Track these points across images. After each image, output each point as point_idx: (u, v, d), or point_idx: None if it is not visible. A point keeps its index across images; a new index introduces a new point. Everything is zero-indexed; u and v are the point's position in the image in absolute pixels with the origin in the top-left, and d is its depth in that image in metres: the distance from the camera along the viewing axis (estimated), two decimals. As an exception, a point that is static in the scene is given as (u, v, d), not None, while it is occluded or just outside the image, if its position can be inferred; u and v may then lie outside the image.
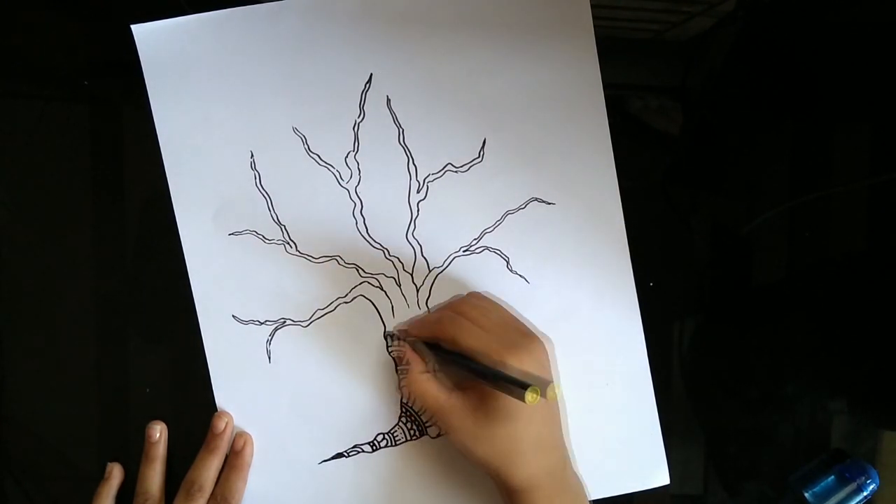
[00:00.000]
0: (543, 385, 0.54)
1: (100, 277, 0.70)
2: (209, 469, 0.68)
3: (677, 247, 0.73)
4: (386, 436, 0.70)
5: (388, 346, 0.70)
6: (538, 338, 0.64)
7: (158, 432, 0.69)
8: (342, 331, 0.69)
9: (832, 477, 0.72)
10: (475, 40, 0.68)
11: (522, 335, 0.63)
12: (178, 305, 0.69)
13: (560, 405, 0.67)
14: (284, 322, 0.69)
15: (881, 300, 0.73)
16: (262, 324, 0.69)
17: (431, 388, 0.64)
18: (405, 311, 0.70)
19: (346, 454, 0.70)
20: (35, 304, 0.70)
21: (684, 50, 0.73)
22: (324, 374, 0.70)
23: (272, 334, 0.69)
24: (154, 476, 0.69)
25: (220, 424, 0.69)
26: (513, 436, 0.61)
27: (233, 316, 0.69)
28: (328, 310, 0.69)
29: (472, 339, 0.61)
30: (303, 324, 0.69)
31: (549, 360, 0.64)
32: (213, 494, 0.68)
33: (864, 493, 0.71)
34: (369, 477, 0.70)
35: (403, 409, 0.70)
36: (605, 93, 0.69)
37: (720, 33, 0.72)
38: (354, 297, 0.69)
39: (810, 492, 0.72)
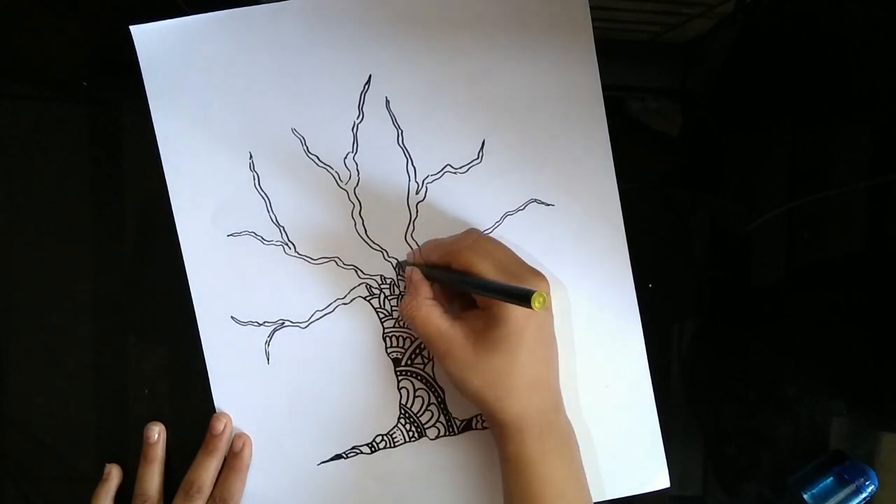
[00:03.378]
0: (533, 293, 0.53)
1: (98, 278, 0.70)
2: (208, 470, 0.68)
3: (677, 248, 0.73)
4: (384, 437, 0.70)
5: (397, 275, 0.70)
6: (544, 277, 0.64)
7: (157, 433, 0.69)
8: (341, 332, 0.69)
9: (831, 478, 0.72)
10: (474, 42, 0.68)
11: (532, 273, 0.63)
12: (176, 306, 0.69)
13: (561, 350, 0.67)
14: (283, 323, 0.69)
15: (880, 301, 0.73)
16: (260, 325, 0.69)
17: (434, 314, 0.64)
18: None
19: (344, 455, 0.70)
20: (34, 306, 0.70)
21: (683, 51, 0.73)
22: (322, 376, 0.70)
23: (271, 335, 0.69)
24: (153, 477, 0.69)
25: (219, 426, 0.69)
26: (509, 370, 0.61)
27: (231, 317, 0.69)
28: (327, 311, 0.69)
29: (485, 265, 0.62)
30: (301, 325, 0.69)
31: (550, 301, 0.66)
32: (211, 496, 0.68)
33: (863, 495, 0.71)
34: (368, 478, 0.70)
35: (402, 411, 0.70)
36: (605, 94, 0.69)
37: (719, 35, 0.72)
38: (353, 299, 0.69)
39: (809, 493, 0.72)
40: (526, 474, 0.62)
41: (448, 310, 0.66)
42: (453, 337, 0.63)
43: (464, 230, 0.68)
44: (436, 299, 0.65)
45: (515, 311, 0.60)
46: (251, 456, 0.70)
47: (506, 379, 0.61)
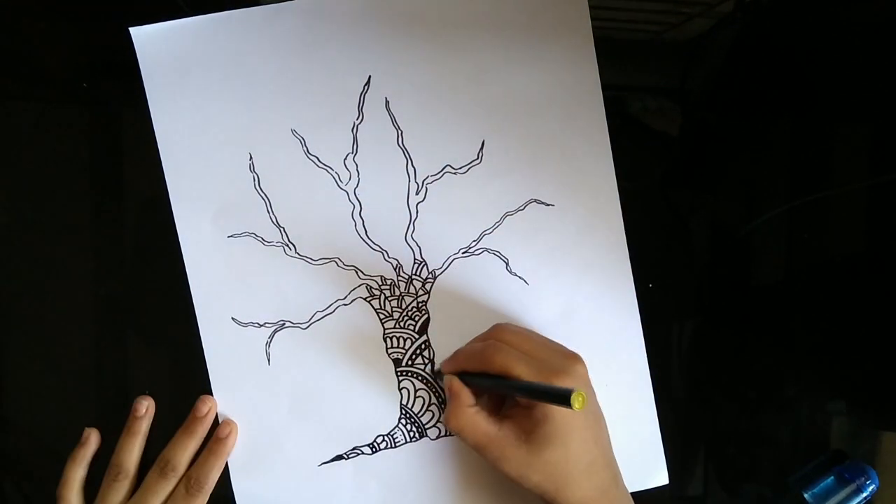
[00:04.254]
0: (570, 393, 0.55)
1: (99, 280, 0.70)
2: (185, 450, 0.68)
3: (676, 248, 0.73)
4: (385, 438, 0.70)
5: (436, 382, 0.70)
6: (579, 357, 0.64)
7: (145, 408, 0.69)
8: (341, 333, 0.69)
9: (831, 478, 0.72)
10: (474, 42, 0.68)
11: (565, 357, 0.64)
12: (177, 308, 0.69)
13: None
14: (284, 324, 0.69)
15: (880, 301, 0.73)
16: (261, 326, 0.69)
17: (480, 421, 0.64)
18: (404, 313, 0.70)
19: (345, 456, 0.70)
20: (34, 307, 0.70)
21: (683, 51, 0.73)
22: (323, 376, 0.70)
23: (271, 336, 0.69)
24: (132, 450, 0.68)
25: (203, 409, 0.69)
26: (565, 459, 0.61)
27: (232, 318, 0.69)
28: (327, 312, 0.69)
29: (521, 366, 0.62)
30: (302, 326, 0.69)
31: (589, 379, 0.65)
32: (186, 475, 0.68)
33: (864, 494, 0.71)
34: (369, 479, 0.70)
35: (403, 411, 0.70)
36: (604, 94, 0.69)
37: (719, 34, 0.72)
38: (353, 300, 0.69)
39: (810, 493, 0.72)
40: None
41: (493, 411, 0.66)
42: (504, 440, 0.63)
43: (490, 327, 0.68)
44: (478, 402, 0.65)
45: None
46: (234, 445, 0.69)
47: (563, 469, 0.62)
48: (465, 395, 0.65)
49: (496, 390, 0.66)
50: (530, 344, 0.65)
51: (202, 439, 0.69)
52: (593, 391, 0.66)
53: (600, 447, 0.64)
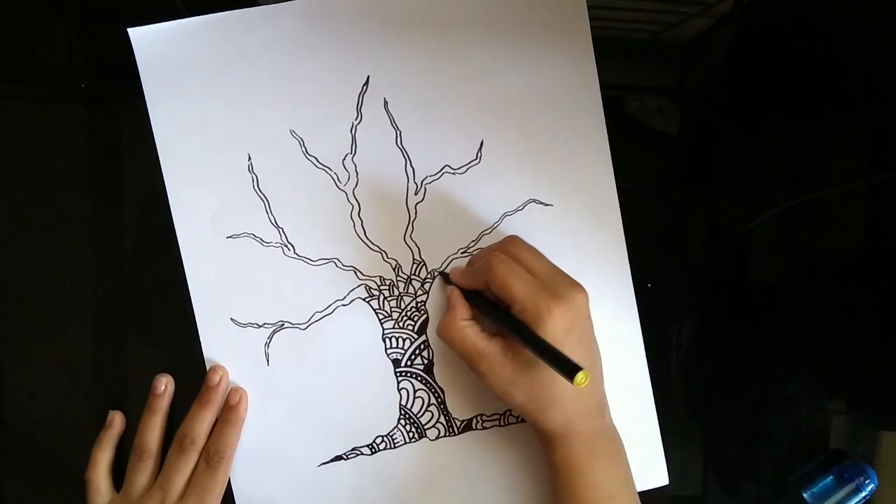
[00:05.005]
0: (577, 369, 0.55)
1: (98, 280, 0.70)
2: (202, 422, 0.68)
3: (675, 247, 0.73)
4: (385, 438, 0.70)
5: (444, 283, 0.70)
6: (583, 288, 0.63)
7: (164, 385, 0.69)
8: (341, 333, 0.69)
9: (831, 477, 0.72)
10: (472, 42, 0.68)
11: (570, 285, 0.63)
12: (176, 308, 0.69)
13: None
14: (283, 325, 0.69)
15: (880, 300, 0.73)
16: (260, 326, 0.69)
17: (470, 333, 0.64)
18: (403, 313, 0.70)
19: (344, 457, 0.70)
20: (33, 308, 0.70)
21: (682, 50, 0.73)
22: (322, 377, 0.70)
23: (270, 337, 0.69)
24: (154, 430, 0.68)
25: (215, 378, 0.68)
26: (550, 383, 0.61)
27: (231, 319, 0.69)
28: (326, 312, 0.69)
29: (523, 285, 0.61)
30: (301, 326, 0.69)
31: (589, 311, 0.64)
32: (205, 448, 0.68)
33: (863, 494, 0.71)
34: (368, 479, 0.70)
35: (402, 412, 0.70)
36: (603, 94, 0.69)
37: (718, 34, 0.72)
38: (353, 300, 0.69)
39: (809, 492, 0.72)
40: (575, 480, 0.63)
41: (486, 327, 0.66)
42: (491, 355, 0.63)
43: (503, 238, 0.68)
44: (473, 317, 0.66)
45: (554, 327, 0.60)
46: (246, 410, 0.69)
47: (548, 392, 0.62)
48: (462, 309, 0.65)
49: (497, 322, 0.64)
50: (537, 263, 0.64)
51: (218, 409, 0.69)
52: (591, 323, 0.65)
53: (592, 384, 0.63)
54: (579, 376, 0.54)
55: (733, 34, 0.72)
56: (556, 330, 0.60)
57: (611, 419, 0.66)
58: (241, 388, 0.69)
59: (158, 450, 0.69)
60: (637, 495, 0.65)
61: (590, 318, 0.65)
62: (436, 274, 0.70)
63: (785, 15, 0.73)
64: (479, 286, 0.66)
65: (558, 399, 0.62)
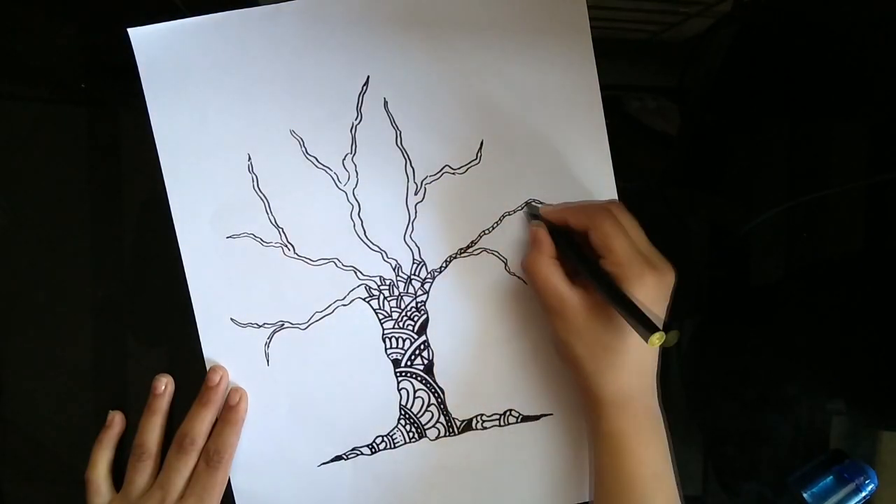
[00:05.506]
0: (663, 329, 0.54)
1: (97, 281, 0.70)
2: (202, 422, 0.68)
3: (675, 247, 0.72)
4: (384, 438, 0.70)
5: (528, 217, 0.69)
6: (674, 269, 0.63)
7: (164, 385, 0.69)
8: (340, 333, 0.69)
9: (831, 477, 0.72)
10: (472, 42, 0.68)
11: (662, 260, 0.63)
12: (176, 308, 0.69)
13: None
14: (283, 325, 0.69)
15: (879, 300, 0.73)
16: (260, 327, 0.69)
17: (556, 273, 0.63)
18: (403, 313, 0.70)
19: (344, 457, 0.70)
20: (33, 308, 0.70)
21: (681, 50, 0.73)
22: (322, 377, 0.70)
23: (270, 337, 0.69)
24: (153, 430, 0.68)
25: (215, 378, 0.68)
26: (616, 348, 0.61)
27: (231, 319, 0.69)
28: (326, 312, 0.69)
29: (621, 243, 0.61)
30: (301, 326, 0.69)
31: (670, 294, 0.64)
32: (204, 448, 0.68)
33: (863, 494, 0.71)
34: (368, 479, 0.70)
35: (402, 412, 0.70)
36: (602, 94, 0.69)
37: (717, 34, 0.72)
38: (353, 300, 0.69)
39: (809, 492, 0.72)
40: (622, 453, 0.62)
41: (568, 273, 0.65)
42: (570, 300, 0.62)
43: (605, 200, 0.68)
44: (558, 257, 0.65)
45: (643, 292, 0.60)
46: (246, 410, 0.69)
47: (611, 356, 0.61)
48: (549, 245, 0.65)
49: (582, 267, 0.63)
50: (637, 232, 0.64)
51: (218, 409, 0.69)
52: (668, 307, 0.64)
53: (652, 356, 0.64)
54: (655, 337, 0.54)
55: (733, 34, 0.72)
56: (643, 295, 0.60)
57: (659, 404, 0.66)
58: (241, 389, 0.69)
59: (158, 450, 0.69)
60: (676, 477, 0.65)
61: (669, 301, 0.64)
62: (520, 207, 0.70)
63: (785, 15, 0.73)
64: (571, 223, 0.65)
65: (619, 365, 0.62)
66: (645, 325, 0.55)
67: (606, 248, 0.61)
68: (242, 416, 0.69)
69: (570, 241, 0.65)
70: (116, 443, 0.70)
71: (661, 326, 0.55)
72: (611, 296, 0.59)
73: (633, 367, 0.62)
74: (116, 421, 0.70)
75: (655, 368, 0.65)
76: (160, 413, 0.69)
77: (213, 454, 0.67)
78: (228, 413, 0.69)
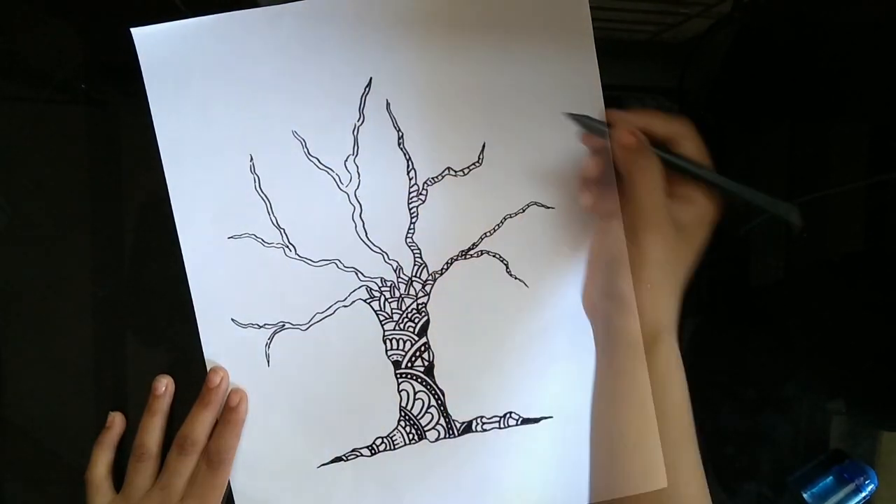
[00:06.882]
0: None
1: (98, 281, 0.70)
2: (203, 424, 0.68)
3: (675, 248, 0.73)
4: (384, 440, 0.70)
5: (586, 124, 0.67)
6: None
7: (164, 386, 0.69)
8: (341, 334, 0.69)
9: (831, 478, 0.72)
10: (474, 44, 0.68)
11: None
12: (176, 309, 0.69)
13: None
14: (283, 325, 0.69)
15: (879, 301, 0.73)
16: (260, 327, 0.69)
17: (659, 175, 0.63)
18: (404, 315, 0.70)
19: (344, 458, 0.70)
20: (33, 309, 0.70)
21: (681, 51, 0.73)
22: (322, 378, 0.70)
23: (271, 338, 0.69)
24: (153, 431, 0.68)
25: (216, 379, 0.68)
26: (679, 276, 0.64)
27: (232, 319, 0.69)
28: (327, 313, 0.69)
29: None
30: (302, 327, 0.69)
31: None
32: (205, 450, 0.68)
33: (863, 494, 0.71)
34: (368, 481, 0.70)
35: (402, 414, 0.70)
36: (602, 94, 0.69)
37: (717, 34, 0.72)
38: (353, 301, 0.69)
39: (809, 492, 0.72)
40: (680, 377, 0.65)
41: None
42: (666, 216, 0.62)
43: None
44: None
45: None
46: (247, 412, 0.69)
47: (673, 280, 0.64)
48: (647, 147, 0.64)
49: (695, 172, 0.63)
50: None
51: (218, 410, 0.69)
52: None
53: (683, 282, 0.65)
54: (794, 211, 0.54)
55: (733, 35, 0.72)
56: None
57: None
58: (242, 390, 0.69)
59: (158, 451, 0.69)
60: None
61: None
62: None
63: (784, 15, 0.73)
64: (657, 131, 0.64)
65: (671, 295, 0.64)
66: (780, 208, 0.56)
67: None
68: (243, 417, 0.69)
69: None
70: (117, 444, 0.70)
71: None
72: (739, 190, 0.61)
73: (677, 303, 0.64)
74: (116, 422, 0.70)
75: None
76: (160, 414, 0.69)
77: (214, 455, 0.67)
78: (229, 414, 0.69)
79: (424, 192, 0.69)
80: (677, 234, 0.62)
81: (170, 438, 0.69)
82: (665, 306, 0.63)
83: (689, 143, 0.63)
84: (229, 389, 0.69)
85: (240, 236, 0.68)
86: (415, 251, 0.69)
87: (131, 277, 0.70)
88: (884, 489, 0.72)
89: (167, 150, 0.68)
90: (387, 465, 0.70)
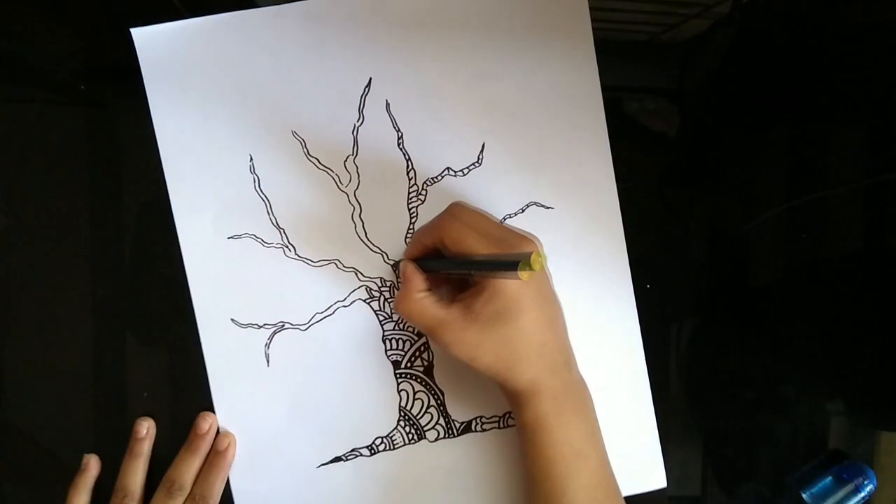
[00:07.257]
0: (527, 258, 0.51)
1: (98, 281, 0.70)
2: (190, 468, 0.68)
3: (674, 248, 0.73)
4: (384, 440, 0.70)
5: (397, 279, 0.69)
6: (534, 240, 0.63)
7: (146, 429, 0.69)
8: (341, 334, 0.69)
9: (830, 478, 0.72)
10: (474, 44, 0.68)
11: (521, 237, 0.62)
12: (176, 309, 0.69)
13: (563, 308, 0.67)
14: (283, 326, 0.69)
15: (878, 301, 0.73)
16: (260, 327, 0.69)
17: (427, 304, 0.63)
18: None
19: (344, 458, 0.70)
20: (33, 309, 0.70)
21: (681, 52, 0.73)
22: (322, 378, 0.70)
23: (271, 338, 0.69)
24: (136, 473, 0.69)
25: (204, 425, 0.69)
26: (514, 339, 0.60)
27: (231, 319, 0.69)
28: (327, 313, 0.69)
29: (472, 240, 0.60)
30: (301, 327, 0.69)
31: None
32: (191, 493, 0.68)
33: (862, 494, 0.71)
34: (367, 481, 0.70)
35: (402, 413, 0.70)
36: (602, 95, 0.69)
37: (716, 35, 0.72)
38: (353, 301, 0.69)
39: (808, 493, 0.72)
40: (542, 438, 0.62)
41: (444, 296, 0.65)
42: (453, 322, 0.61)
43: (449, 204, 0.65)
44: (430, 290, 0.65)
45: (510, 281, 0.59)
46: (234, 456, 0.70)
47: (513, 348, 0.61)
48: (418, 281, 0.64)
49: (449, 269, 0.63)
50: (486, 222, 0.62)
51: (205, 456, 0.69)
52: (548, 277, 0.65)
53: (553, 331, 0.63)
54: (534, 260, 0.50)
55: (732, 35, 0.72)
56: (512, 283, 0.60)
57: (578, 373, 0.65)
58: (231, 434, 0.70)
59: (141, 492, 0.69)
60: (604, 448, 0.65)
61: (546, 274, 0.65)
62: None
63: (784, 16, 0.73)
64: (426, 244, 0.65)
65: (524, 354, 0.61)
66: (507, 266, 0.53)
67: (462, 249, 0.61)
68: (230, 461, 0.69)
69: (437, 254, 0.65)
70: (92, 486, 0.70)
71: (524, 252, 0.53)
72: (473, 265, 0.60)
73: (539, 350, 0.61)
74: (92, 464, 0.70)
75: (565, 343, 0.65)
76: (142, 457, 0.69)
77: (199, 499, 0.68)
78: (216, 458, 0.69)
79: (424, 192, 0.69)
80: (472, 325, 0.61)
81: (151, 478, 0.70)
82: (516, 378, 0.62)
83: (448, 241, 0.62)
84: (216, 433, 0.70)
85: (239, 236, 0.69)
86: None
87: (131, 277, 0.70)
88: (882, 489, 0.72)
89: (167, 151, 0.68)
90: (386, 465, 0.70)
